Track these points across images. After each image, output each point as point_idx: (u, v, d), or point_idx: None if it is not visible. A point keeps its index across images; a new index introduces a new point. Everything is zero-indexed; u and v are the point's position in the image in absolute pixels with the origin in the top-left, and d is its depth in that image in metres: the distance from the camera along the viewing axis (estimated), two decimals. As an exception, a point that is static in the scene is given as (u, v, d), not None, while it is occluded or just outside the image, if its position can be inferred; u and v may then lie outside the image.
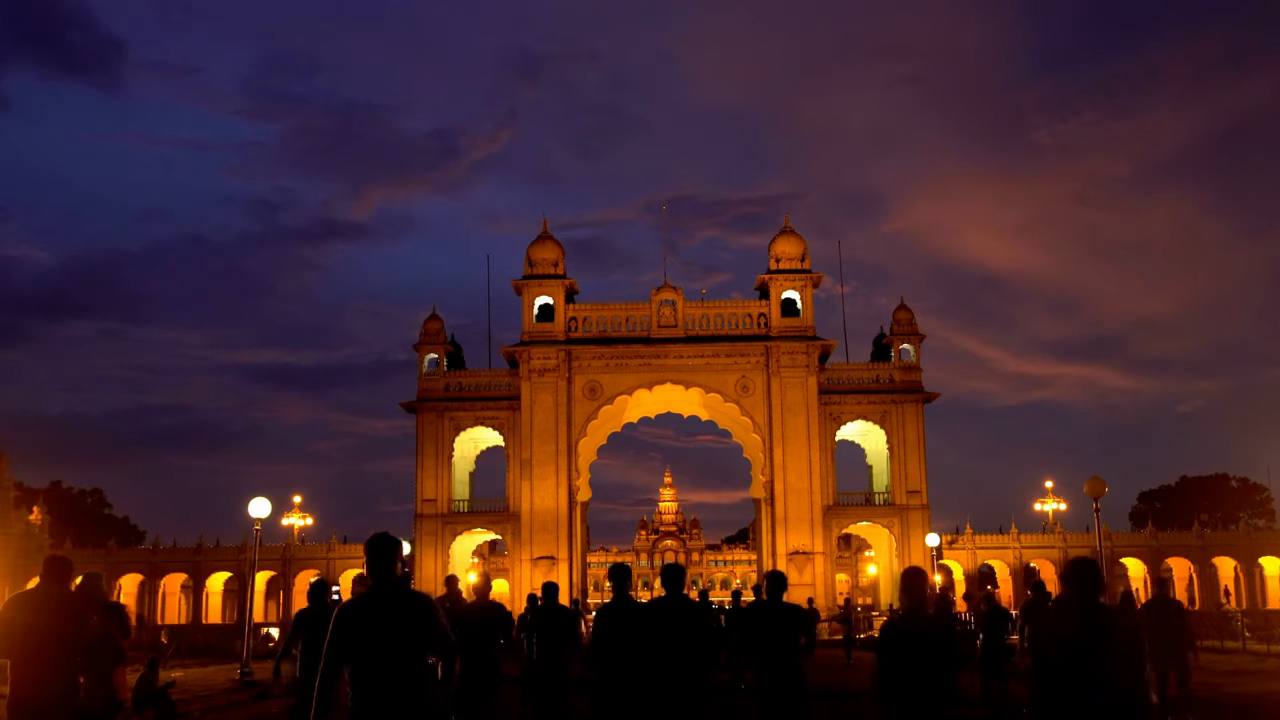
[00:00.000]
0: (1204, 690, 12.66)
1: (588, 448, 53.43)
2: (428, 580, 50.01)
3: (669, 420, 61.40)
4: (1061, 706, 6.03)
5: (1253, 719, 14.38)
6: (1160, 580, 14.56)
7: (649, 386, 52.61)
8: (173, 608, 60.16)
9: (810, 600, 34.60)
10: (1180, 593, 60.65)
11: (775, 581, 9.07)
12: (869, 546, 65.73)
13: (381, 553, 5.47)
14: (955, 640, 6.87)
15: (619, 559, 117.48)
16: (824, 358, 53.32)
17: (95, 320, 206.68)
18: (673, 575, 8.64)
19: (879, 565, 61.20)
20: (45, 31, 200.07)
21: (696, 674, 8.28)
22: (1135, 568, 57.87)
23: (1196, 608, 51.42)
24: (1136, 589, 45.74)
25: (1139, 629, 6.49)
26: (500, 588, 55.53)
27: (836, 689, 18.45)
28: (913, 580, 7.16)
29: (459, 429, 53.61)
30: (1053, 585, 58.01)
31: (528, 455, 51.98)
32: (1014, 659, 14.98)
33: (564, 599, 21.58)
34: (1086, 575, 6.09)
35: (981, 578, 54.23)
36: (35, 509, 58.02)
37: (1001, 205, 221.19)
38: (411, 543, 51.27)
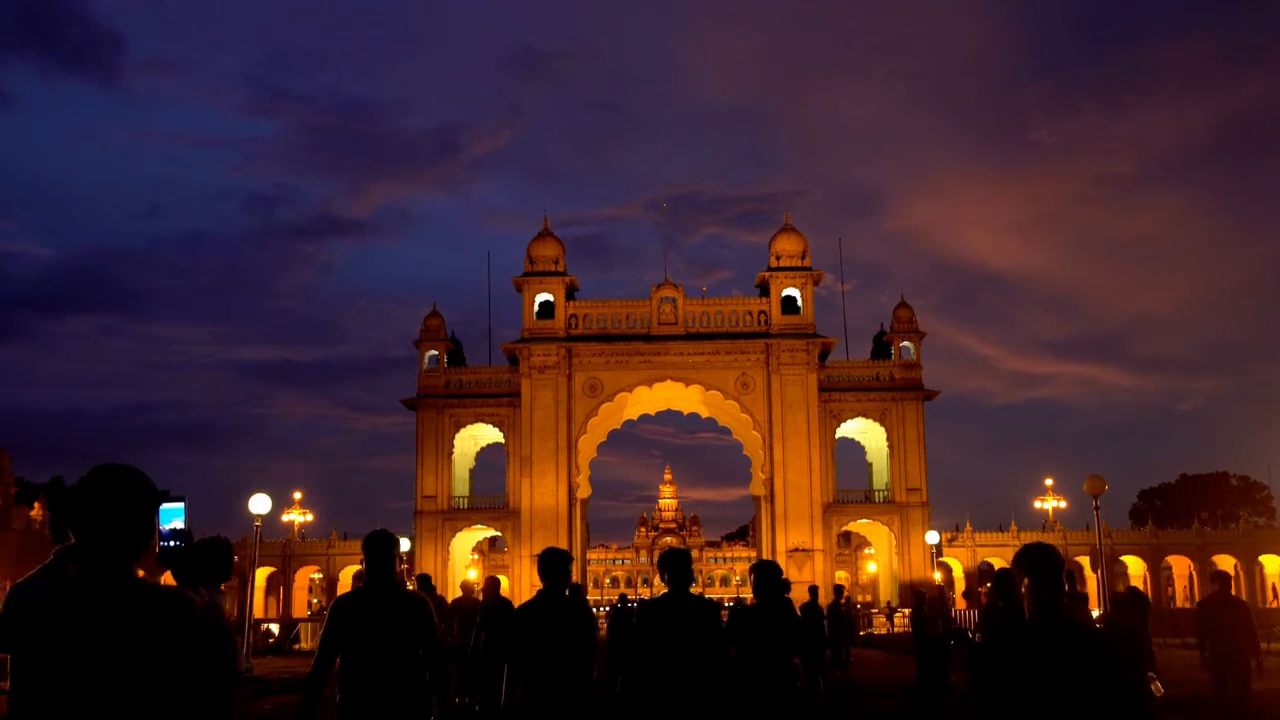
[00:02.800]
0: (1203, 689, 12.50)
1: (588, 445, 53.43)
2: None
3: (669, 417, 61.48)
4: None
5: (1253, 719, 14.37)
6: (1221, 575, 12.20)
7: (649, 384, 52.60)
8: (173, 604, 60.14)
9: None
10: (1180, 591, 60.70)
11: (764, 576, 7.04)
12: (869, 544, 65.74)
13: (378, 550, 5.55)
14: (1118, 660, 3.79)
15: (619, 556, 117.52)
16: (824, 355, 53.30)
17: (96, 316, 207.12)
18: (671, 563, 6.55)
19: (879, 563, 61.24)
20: (45, 27, 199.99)
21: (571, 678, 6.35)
22: (1135, 565, 57.92)
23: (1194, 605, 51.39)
24: (1136, 586, 45.60)
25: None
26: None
27: (834, 687, 18.49)
28: (1041, 562, 3.91)
29: (459, 426, 53.61)
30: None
31: (528, 452, 51.99)
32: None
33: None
34: (1004, 583, 7.59)
35: (981, 576, 54.21)
36: (36, 505, 58.02)
37: (1002, 204, 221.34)
38: (411, 539, 51.29)
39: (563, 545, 51.74)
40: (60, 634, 2.65)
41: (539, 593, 6.44)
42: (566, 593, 6.56)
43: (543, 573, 6.45)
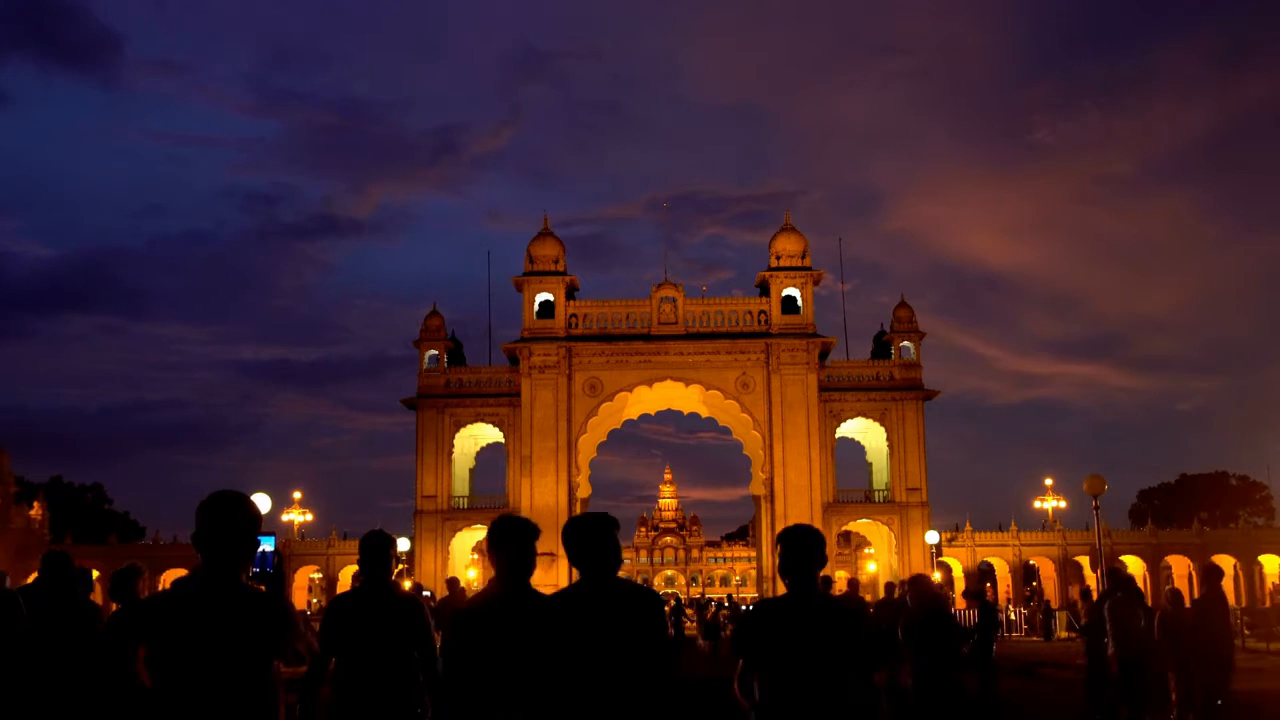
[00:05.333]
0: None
1: (588, 444, 53.43)
2: (426, 577, 50.02)
3: (669, 417, 61.51)
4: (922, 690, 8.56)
5: (1252, 718, 14.35)
6: (1211, 568, 12.30)
7: (649, 383, 52.60)
8: (172, 603, 60.10)
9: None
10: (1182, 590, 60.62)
11: (797, 547, 4.47)
12: (869, 544, 65.75)
13: (374, 551, 5.53)
14: None
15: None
16: (824, 355, 53.31)
17: (95, 315, 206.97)
18: (576, 537, 4.41)
19: (878, 563, 61.22)
20: (44, 26, 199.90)
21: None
22: (1135, 565, 57.84)
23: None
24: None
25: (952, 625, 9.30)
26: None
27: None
28: None
29: (459, 425, 53.63)
30: (1049, 583, 58.20)
31: (528, 452, 51.99)
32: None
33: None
34: (922, 586, 9.11)
35: (981, 575, 54.24)
36: (35, 504, 58.02)
37: (1002, 204, 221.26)
38: (411, 539, 51.29)
39: (562, 545, 51.70)
40: (189, 626, 3.73)
41: (490, 583, 4.61)
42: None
43: (495, 549, 4.45)
